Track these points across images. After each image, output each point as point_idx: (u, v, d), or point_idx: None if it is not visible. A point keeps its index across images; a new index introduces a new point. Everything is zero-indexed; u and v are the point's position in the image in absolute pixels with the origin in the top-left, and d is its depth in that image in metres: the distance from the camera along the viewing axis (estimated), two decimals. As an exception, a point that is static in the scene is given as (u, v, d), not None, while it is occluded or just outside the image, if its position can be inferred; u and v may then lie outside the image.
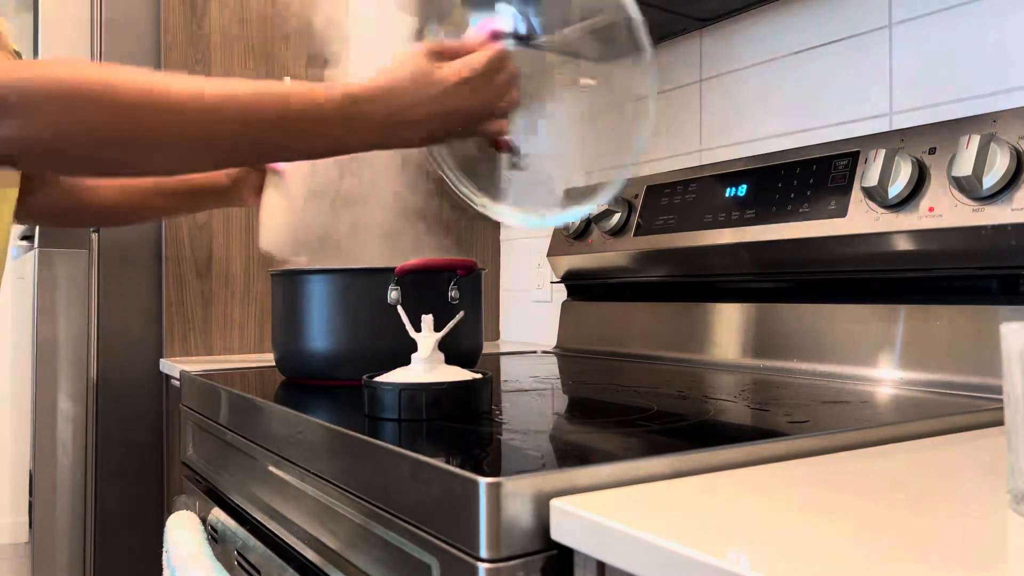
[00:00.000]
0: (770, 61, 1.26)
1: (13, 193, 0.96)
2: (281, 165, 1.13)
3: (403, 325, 0.89)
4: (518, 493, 0.51)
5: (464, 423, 0.73)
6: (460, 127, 0.80)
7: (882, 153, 0.96)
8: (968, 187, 0.87)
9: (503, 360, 1.36)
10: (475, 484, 0.51)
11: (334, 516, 0.70)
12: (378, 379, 0.80)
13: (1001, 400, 0.82)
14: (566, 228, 1.48)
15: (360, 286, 1.02)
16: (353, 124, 0.75)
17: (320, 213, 1.18)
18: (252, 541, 0.89)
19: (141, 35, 1.61)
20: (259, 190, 1.17)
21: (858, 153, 1.03)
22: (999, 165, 0.85)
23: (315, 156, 0.80)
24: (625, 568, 0.44)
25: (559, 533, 0.50)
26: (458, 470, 0.53)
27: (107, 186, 1.16)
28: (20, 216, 1.11)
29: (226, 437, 1.01)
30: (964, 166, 0.87)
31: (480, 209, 0.91)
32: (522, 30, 0.86)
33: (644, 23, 0.83)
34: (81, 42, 1.57)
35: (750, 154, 1.28)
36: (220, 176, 1.18)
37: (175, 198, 1.18)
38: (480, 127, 0.83)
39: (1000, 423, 0.76)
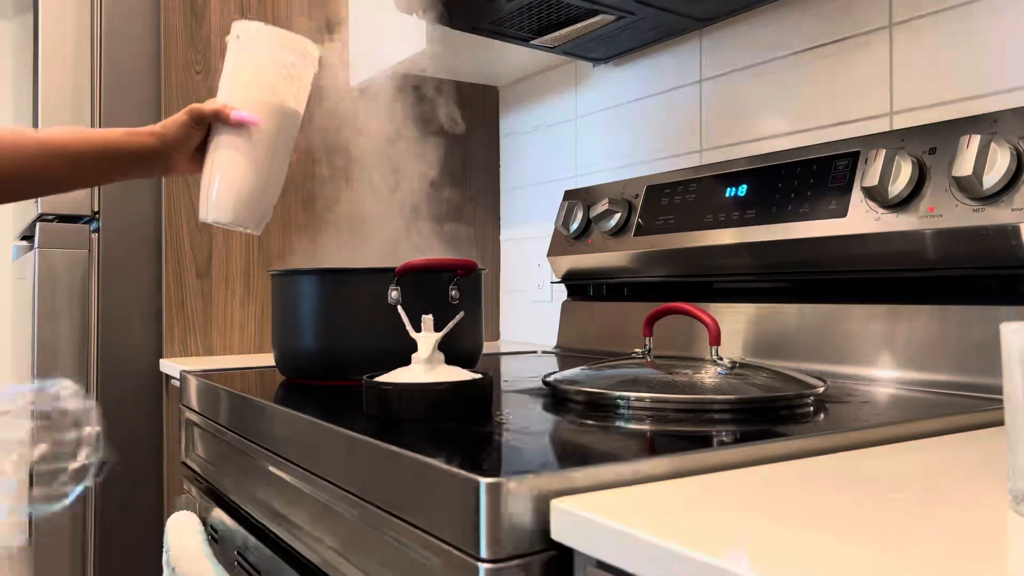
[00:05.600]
0: (770, 61, 1.26)
1: None
2: (252, 115, 0.95)
3: (403, 325, 0.89)
4: (518, 493, 0.51)
5: (464, 423, 0.73)
6: None
7: (882, 153, 0.96)
8: (968, 187, 0.87)
9: (503, 360, 1.36)
10: (475, 484, 0.51)
11: (334, 516, 0.70)
12: (378, 379, 0.80)
13: (1001, 400, 0.82)
14: (566, 228, 1.48)
15: (360, 286, 1.02)
16: None
17: (285, 170, 1.00)
18: (252, 541, 0.89)
19: (141, 35, 1.61)
20: (195, 154, 1.00)
21: (858, 153, 1.03)
22: (999, 165, 0.85)
23: None
24: (625, 568, 0.44)
25: (559, 533, 0.50)
26: (458, 470, 0.53)
27: None
28: None
29: (226, 437, 1.01)
30: (964, 166, 0.87)
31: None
32: None
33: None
34: (81, 43, 1.58)
35: (750, 154, 1.28)
36: (144, 136, 0.98)
37: (82, 165, 0.97)
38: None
39: (1000, 423, 0.76)
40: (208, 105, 0.97)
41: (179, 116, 0.98)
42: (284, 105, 0.98)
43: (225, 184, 0.96)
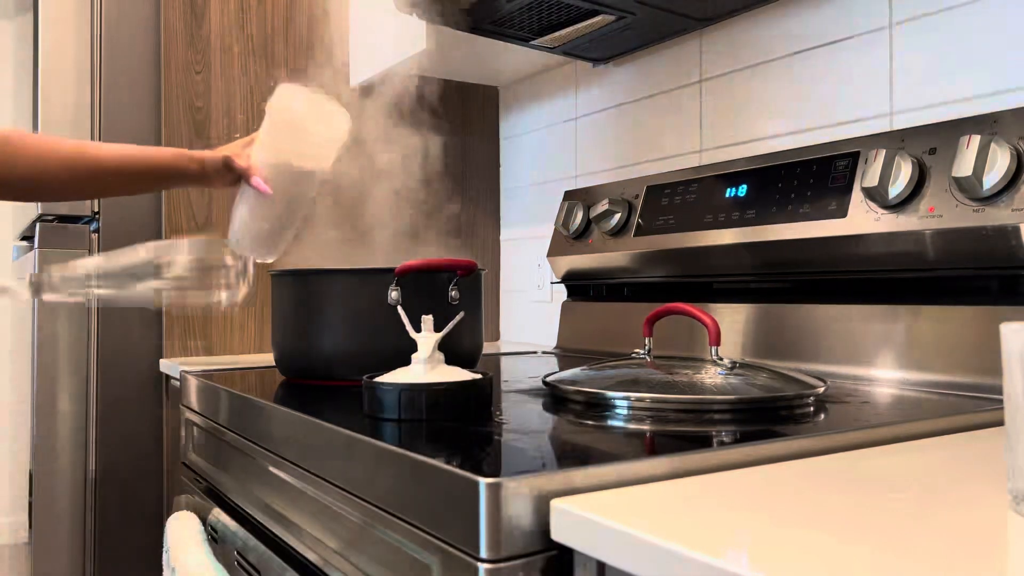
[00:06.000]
0: (770, 61, 1.26)
1: None
2: (267, 186, 1.11)
3: (403, 325, 0.89)
4: (518, 493, 0.51)
5: (464, 423, 0.73)
6: None
7: (882, 153, 0.96)
8: (968, 187, 0.87)
9: (503, 360, 1.36)
10: (475, 484, 0.51)
11: (334, 516, 0.70)
12: (378, 379, 0.80)
13: (1001, 400, 0.82)
14: (566, 228, 1.48)
15: (360, 286, 1.02)
16: None
17: (298, 219, 1.16)
18: (252, 541, 0.89)
19: (141, 35, 1.61)
20: (234, 180, 1.15)
21: (858, 153, 1.03)
22: (999, 165, 0.85)
23: None
24: (625, 568, 0.44)
25: (559, 533, 0.50)
26: (458, 470, 0.53)
27: (50, 161, 1.09)
28: None
29: (226, 437, 1.01)
30: (964, 166, 0.87)
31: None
32: None
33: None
34: (81, 43, 1.58)
35: (750, 154, 1.28)
36: (189, 162, 1.14)
37: (131, 179, 1.13)
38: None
39: (1000, 423, 0.76)
40: (241, 160, 1.13)
41: (218, 157, 1.14)
42: (304, 171, 1.12)
43: (243, 225, 1.13)
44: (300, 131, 1.10)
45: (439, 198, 1.81)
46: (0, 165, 1.08)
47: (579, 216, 1.46)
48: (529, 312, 1.84)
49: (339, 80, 1.73)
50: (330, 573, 0.71)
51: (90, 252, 1.57)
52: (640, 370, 0.85)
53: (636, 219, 1.34)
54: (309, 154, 1.11)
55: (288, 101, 1.10)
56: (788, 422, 0.71)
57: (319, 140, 1.11)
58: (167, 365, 1.51)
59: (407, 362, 0.85)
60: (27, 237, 1.93)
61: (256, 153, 1.12)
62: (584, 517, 0.47)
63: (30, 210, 1.68)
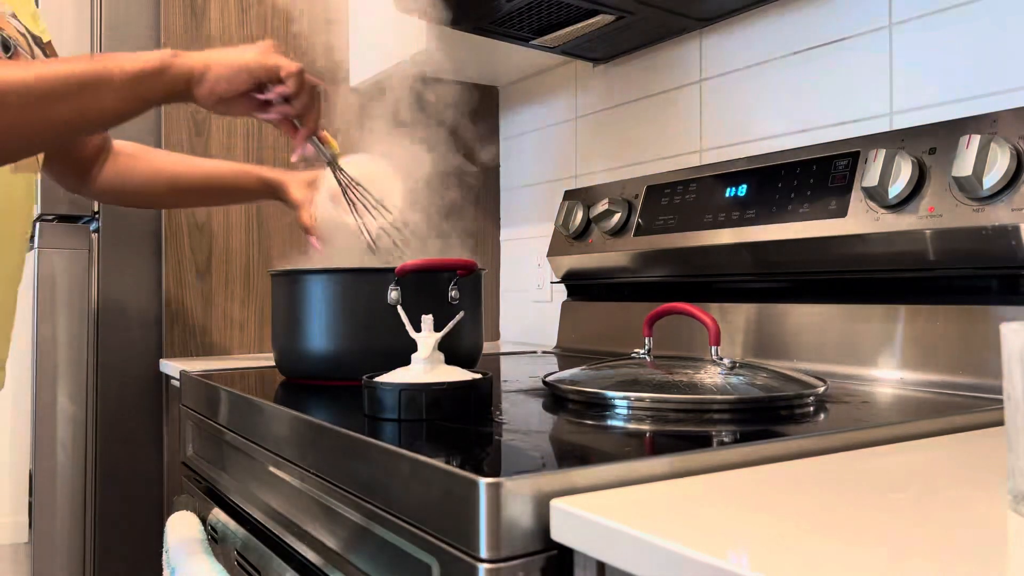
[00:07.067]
0: (770, 61, 1.26)
1: (34, 178, 1.08)
2: (318, 244, 1.26)
3: (403, 325, 0.89)
4: (518, 493, 0.51)
5: (464, 423, 0.73)
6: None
7: (882, 153, 0.96)
8: (968, 187, 0.87)
9: (503, 360, 1.36)
10: (475, 484, 0.51)
11: (334, 516, 0.70)
12: (378, 379, 0.80)
13: (1001, 400, 0.82)
14: (566, 228, 1.48)
15: (360, 286, 1.02)
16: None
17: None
18: (252, 541, 0.89)
19: (141, 36, 1.61)
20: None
21: (858, 153, 1.03)
22: (999, 165, 0.85)
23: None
24: (625, 568, 0.44)
25: (559, 533, 0.50)
26: (458, 470, 0.53)
27: (158, 179, 1.28)
28: (83, 190, 1.27)
29: (226, 437, 1.01)
30: (964, 166, 0.87)
31: None
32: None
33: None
34: (81, 43, 1.57)
35: (750, 154, 1.28)
36: (263, 188, 1.32)
37: (224, 198, 1.36)
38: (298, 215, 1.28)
39: (1000, 423, 0.76)
40: (304, 216, 1.27)
41: (289, 197, 1.29)
42: (352, 229, 1.24)
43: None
44: (356, 200, 1.20)
45: (439, 198, 1.81)
46: (115, 178, 1.27)
47: (579, 216, 1.46)
48: (529, 312, 1.84)
49: (339, 80, 1.73)
50: (330, 573, 0.71)
51: (90, 252, 1.57)
52: (640, 370, 0.85)
53: (636, 219, 1.34)
54: (366, 217, 1.22)
55: (348, 169, 1.20)
56: (788, 422, 0.71)
57: (375, 204, 1.22)
58: (167, 365, 1.51)
59: (407, 362, 0.85)
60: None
61: (317, 210, 1.27)
62: (584, 517, 0.47)
63: (30, 210, 1.67)
